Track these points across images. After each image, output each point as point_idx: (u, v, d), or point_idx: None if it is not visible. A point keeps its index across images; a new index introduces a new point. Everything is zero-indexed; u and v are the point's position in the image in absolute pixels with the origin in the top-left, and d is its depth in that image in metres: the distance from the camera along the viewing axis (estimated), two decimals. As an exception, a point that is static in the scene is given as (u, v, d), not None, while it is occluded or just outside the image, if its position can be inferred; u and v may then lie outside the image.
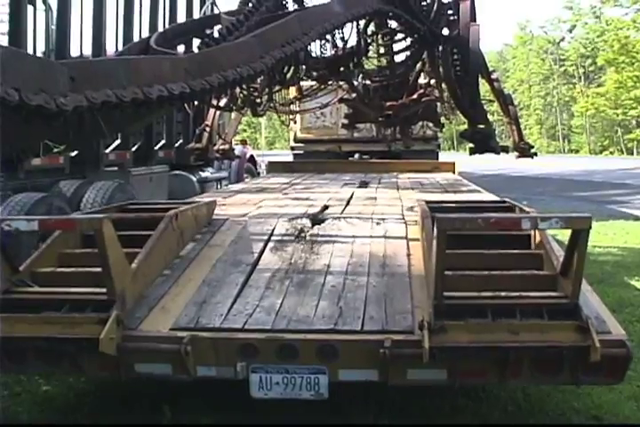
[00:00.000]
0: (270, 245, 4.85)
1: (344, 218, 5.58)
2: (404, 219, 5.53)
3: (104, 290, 3.62)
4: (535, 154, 13.41)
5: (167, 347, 3.51)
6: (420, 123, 14.32)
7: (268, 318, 3.68)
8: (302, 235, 5.04)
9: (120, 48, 10.27)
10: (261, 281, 4.18)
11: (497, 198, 6.52)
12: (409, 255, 4.58)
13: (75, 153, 9.09)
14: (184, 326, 3.65)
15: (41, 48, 9.27)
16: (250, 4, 6.86)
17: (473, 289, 3.62)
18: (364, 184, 9.07)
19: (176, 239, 4.65)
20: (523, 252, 4.22)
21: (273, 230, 5.15)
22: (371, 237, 5.02)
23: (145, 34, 10.94)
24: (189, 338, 3.49)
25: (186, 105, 8.51)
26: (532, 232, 4.26)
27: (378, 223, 5.38)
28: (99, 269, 3.61)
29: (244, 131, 53.37)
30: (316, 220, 5.44)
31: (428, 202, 5.15)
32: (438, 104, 13.48)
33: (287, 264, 4.45)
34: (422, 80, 12.41)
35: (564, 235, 4.53)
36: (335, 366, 3.46)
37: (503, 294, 3.56)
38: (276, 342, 3.49)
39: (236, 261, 4.53)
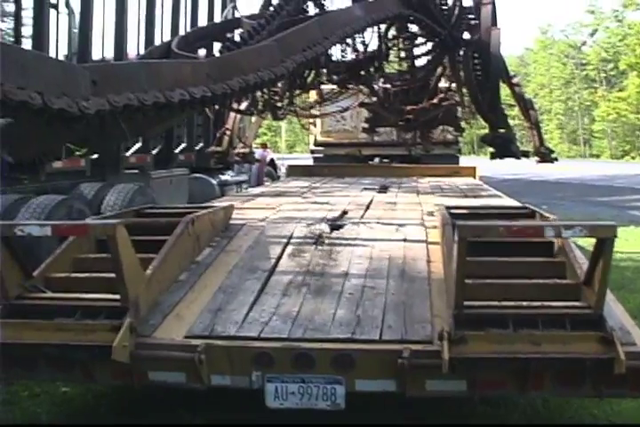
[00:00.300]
0: (288, 250, 4.80)
1: (363, 223, 5.55)
2: (423, 224, 5.49)
3: (118, 296, 3.59)
4: (556, 159, 13.34)
5: (181, 355, 3.46)
6: (441, 127, 14.27)
7: (284, 326, 3.62)
8: (321, 240, 4.99)
9: (142, 51, 10.30)
10: (278, 288, 4.12)
11: (518, 204, 6.46)
12: (429, 262, 4.52)
13: (96, 156, 9.12)
14: (199, 333, 3.60)
15: (63, 51, 9.32)
16: (271, 8, 6.86)
17: (493, 298, 3.56)
18: (383, 189, 9.00)
19: (192, 245, 4.60)
20: (544, 260, 4.16)
21: (291, 236, 5.11)
22: (390, 242, 4.97)
23: (166, 37, 10.97)
24: (204, 346, 3.43)
25: (207, 108, 8.54)
26: (555, 239, 4.19)
27: (397, 229, 5.34)
28: (113, 275, 3.58)
29: (265, 134, 53.46)
30: (335, 225, 5.40)
31: (448, 207, 5.10)
32: (459, 108, 13.44)
33: (305, 271, 4.39)
34: (443, 84, 12.37)
35: (586, 240, 4.47)
36: (352, 376, 3.39)
37: (525, 303, 3.50)
38: (291, 351, 3.43)
39: (253, 268, 4.47)
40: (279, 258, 4.65)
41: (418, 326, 3.57)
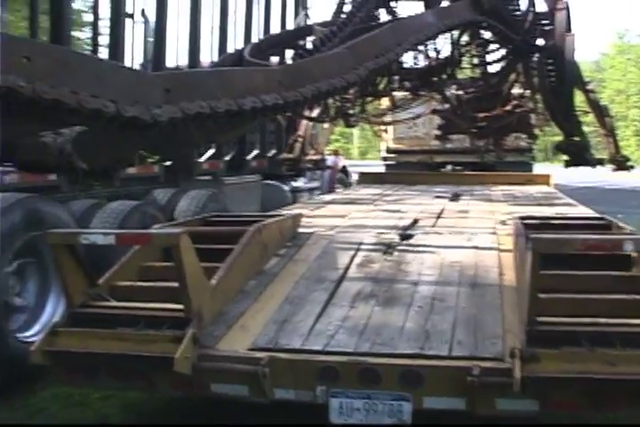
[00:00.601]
0: (357, 260, 4.73)
1: (434, 233, 5.46)
2: (496, 234, 5.37)
3: (181, 306, 3.56)
4: (632, 166, 13.05)
5: (244, 368, 3.39)
6: (514, 134, 14.04)
7: (350, 339, 3.54)
8: (390, 251, 4.90)
9: (215, 59, 10.41)
10: (346, 299, 4.04)
11: (593, 213, 6.29)
12: (501, 274, 4.39)
13: (169, 162, 9.23)
14: (263, 346, 3.54)
15: (139, 59, 9.49)
16: (343, 16, 6.85)
17: (567, 314, 3.43)
18: (455, 197, 8.85)
19: (259, 254, 4.56)
20: (622, 274, 3.99)
21: (360, 245, 5.03)
22: (461, 253, 4.86)
23: (239, 45, 11.05)
24: (268, 359, 3.37)
25: (279, 115, 8.57)
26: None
27: (469, 239, 5.24)
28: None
29: (337, 141, 53.51)
30: (405, 234, 5.32)
31: (521, 218, 4.98)
32: (532, 115, 13.21)
33: (373, 282, 4.30)
34: (516, 91, 12.18)
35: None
36: (419, 393, 3.29)
37: (601, 320, 3.35)
38: (357, 365, 3.34)
39: (321, 278, 4.41)
40: (347, 268, 4.58)
41: (488, 343, 3.46)
